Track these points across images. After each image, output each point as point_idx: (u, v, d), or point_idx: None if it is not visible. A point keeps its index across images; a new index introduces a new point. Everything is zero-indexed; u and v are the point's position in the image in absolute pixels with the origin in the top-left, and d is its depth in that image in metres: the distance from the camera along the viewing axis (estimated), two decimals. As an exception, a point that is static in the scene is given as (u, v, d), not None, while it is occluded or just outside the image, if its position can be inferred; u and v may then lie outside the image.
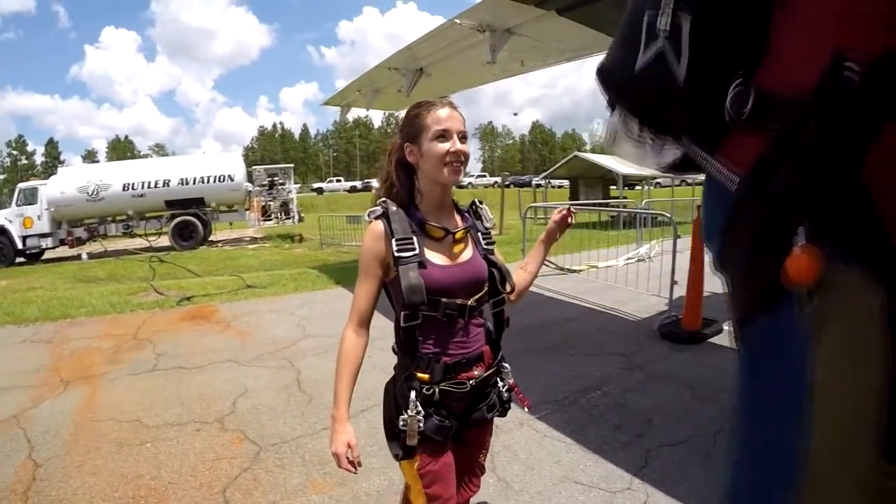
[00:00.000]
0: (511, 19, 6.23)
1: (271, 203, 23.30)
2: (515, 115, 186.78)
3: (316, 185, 70.21)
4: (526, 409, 2.37)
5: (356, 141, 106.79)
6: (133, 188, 19.56)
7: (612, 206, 22.22)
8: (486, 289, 2.07)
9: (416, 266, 1.89)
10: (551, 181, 35.36)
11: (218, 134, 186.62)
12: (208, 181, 20.38)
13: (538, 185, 32.72)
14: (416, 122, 1.97)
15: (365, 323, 2.02)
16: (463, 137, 1.97)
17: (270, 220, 23.18)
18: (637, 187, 35.65)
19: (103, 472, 3.81)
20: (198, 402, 4.94)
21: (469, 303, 2.00)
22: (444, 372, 1.98)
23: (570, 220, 2.29)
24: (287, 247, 18.67)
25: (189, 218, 19.78)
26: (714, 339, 6.65)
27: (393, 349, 2.08)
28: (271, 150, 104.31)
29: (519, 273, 2.28)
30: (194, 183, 20.18)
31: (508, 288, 2.12)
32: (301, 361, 5.97)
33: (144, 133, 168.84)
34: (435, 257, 1.96)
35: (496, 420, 2.25)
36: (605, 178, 28.29)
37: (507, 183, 45.33)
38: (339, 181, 73.48)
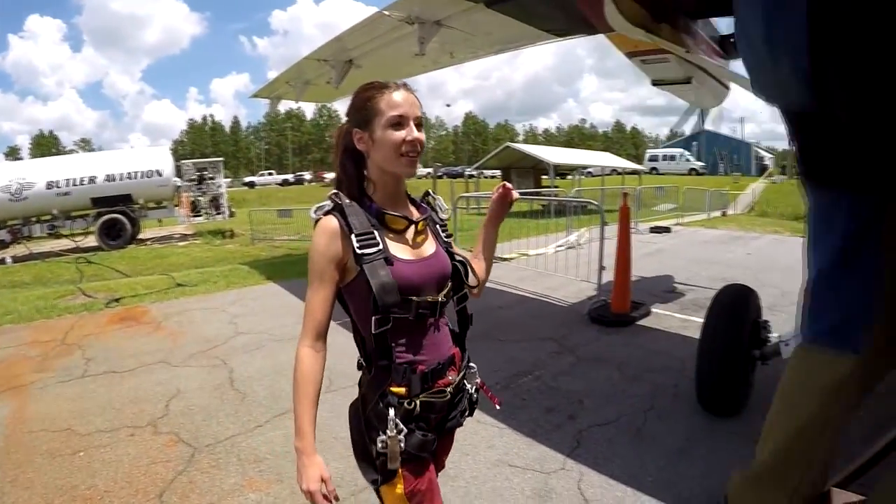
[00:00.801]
0: (440, 11, 6.24)
1: (201, 198, 22.67)
2: (448, 106, 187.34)
3: (247, 179, 68.85)
4: (497, 406, 2.24)
5: (288, 133, 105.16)
6: (58, 186, 18.57)
7: (544, 196, 22.54)
8: (450, 284, 1.92)
9: (384, 262, 1.71)
10: (483, 172, 35.71)
11: (146, 127, 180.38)
12: (135, 177, 19.58)
13: (471, 176, 33.00)
14: (368, 107, 1.78)
15: (322, 336, 1.78)
16: (419, 124, 1.81)
17: (200, 216, 22.53)
18: (568, 177, 36.33)
19: (37, 484, 3.67)
20: (130, 407, 4.81)
21: (439, 299, 1.85)
22: (423, 382, 1.80)
23: (511, 196, 2.16)
24: (218, 243, 18.25)
25: (116, 216, 18.92)
26: (642, 322, 6.87)
27: (359, 364, 1.90)
28: (201, 143, 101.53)
29: (475, 262, 2.14)
30: (121, 179, 19.34)
31: (473, 281, 2.02)
32: (233, 359, 5.89)
33: (70, 127, 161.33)
34: (400, 252, 1.78)
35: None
36: (537, 168, 28.82)
37: (440, 174, 45.47)
38: (270, 174, 72.43)
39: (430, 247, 1.90)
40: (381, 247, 1.72)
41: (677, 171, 51.79)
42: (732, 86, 7.32)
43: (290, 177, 70.05)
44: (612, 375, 5.25)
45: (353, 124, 1.83)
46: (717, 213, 25.11)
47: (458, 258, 1.97)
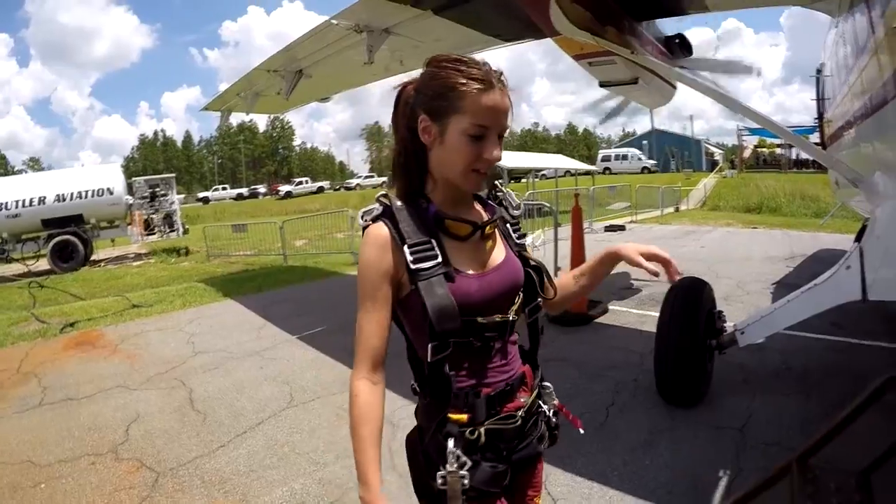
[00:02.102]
0: (388, 19, 6.23)
1: (154, 216, 22.22)
2: (392, 122, 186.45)
3: (201, 195, 67.79)
4: (581, 430, 1.87)
5: (241, 146, 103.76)
6: (6, 208, 18.01)
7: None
8: (521, 296, 1.64)
9: (443, 279, 1.44)
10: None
11: (97, 144, 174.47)
12: (86, 196, 19.04)
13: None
14: (450, 97, 1.44)
15: (379, 365, 1.52)
16: (502, 134, 1.51)
17: (154, 234, 22.07)
18: (523, 180, 36.54)
19: (-5, 520, 3.58)
20: (90, 434, 4.69)
21: (510, 317, 1.57)
22: (488, 407, 1.53)
23: (671, 275, 1.66)
24: (173, 261, 17.95)
25: (68, 237, 18.37)
26: (600, 320, 6.96)
27: (413, 389, 1.63)
28: (153, 159, 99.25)
29: (566, 278, 1.81)
30: (72, 199, 18.80)
31: (551, 292, 1.72)
32: (193, 379, 5.79)
33: (18, 146, 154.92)
34: (463, 263, 1.51)
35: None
36: (491, 173, 28.92)
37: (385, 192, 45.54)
38: (224, 189, 71.43)
39: (499, 253, 1.62)
40: (439, 260, 1.46)
41: (630, 170, 52.45)
42: (679, 85, 7.47)
43: (244, 191, 69.10)
44: (573, 374, 5.31)
45: (422, 106, 1.50)
46: (671, 210, 25.63)
47: (532, 263, 1.69)
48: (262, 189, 70.37)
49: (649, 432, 4.18)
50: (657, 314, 4.80)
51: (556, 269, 7.70)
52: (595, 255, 1.77)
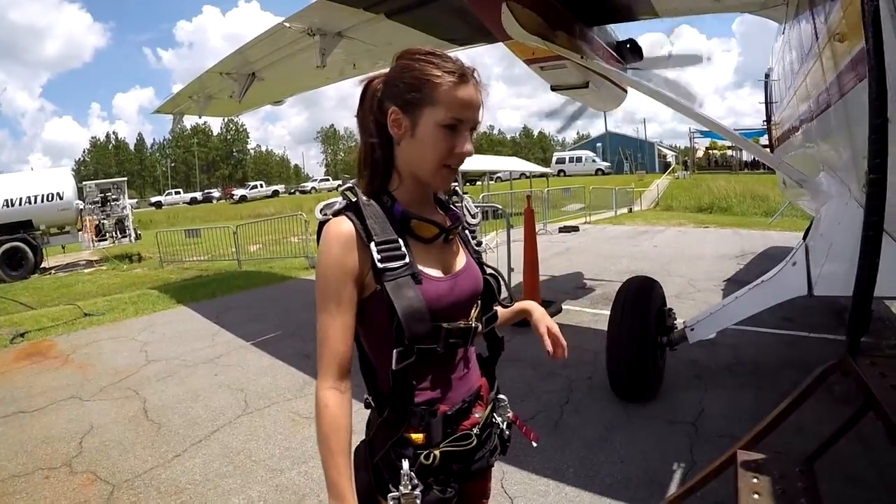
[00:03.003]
0: (341, 23, 6.22)
1: (105, 221, 21.72)
2: (356, 116, 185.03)
3: (154, 199, 66.55)
4: (534, 444, 1.85)
5: (195, 149, 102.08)
6: (-47, 215, 17.57)
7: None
8: (479, 303, 1.61)
9: (411, 280, 1.38)
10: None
11: (48, 147, 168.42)
12: (36, 201, 18.55)
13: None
14: (424, 89, 1.38)
15: (346, 373, 1.42)
16: (473, 129, 1.46)
17: (105, 240, 21.55)
18: (477, 182, 36.72)
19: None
20: (42, 448, 4.56)
21: (472, 324, 1.54)
22: (444, 426, 1.48)
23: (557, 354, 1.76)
24: (125, 268, 17.59)
25: (17, 244, 17.83)
26: (554, 319, 7.03)
27: (367, 403, 1.55)
28: (105, 162, 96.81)
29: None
30: (21, 204, 18.29)
31: (507, 300, 1.77)
32: (146, 389, 5.68)
33: None
34: (428, 266, 1.46)
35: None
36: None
37: (351, 186, 45.37)
38: (178, 193, 70.28)
39: (461, 258, 1.58)
40: (407, 260, 1.39)
41: (584, 171, 53.10)
42: (630, 89, 7.61)
43: (198, 195, 68.12)
44: (527, 374, 5.37)
45: (393, 100, 1.43)
46: (624, 210, 26.06)
47: (489, 271, 1.66)
48: (216, 193, 69.50)
49: (604, 429, 4.25)
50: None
51: (510, 270, 7.76)
52: (516, 305, 1.86)
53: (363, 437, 1.54)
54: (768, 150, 9.02)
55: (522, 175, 36.97)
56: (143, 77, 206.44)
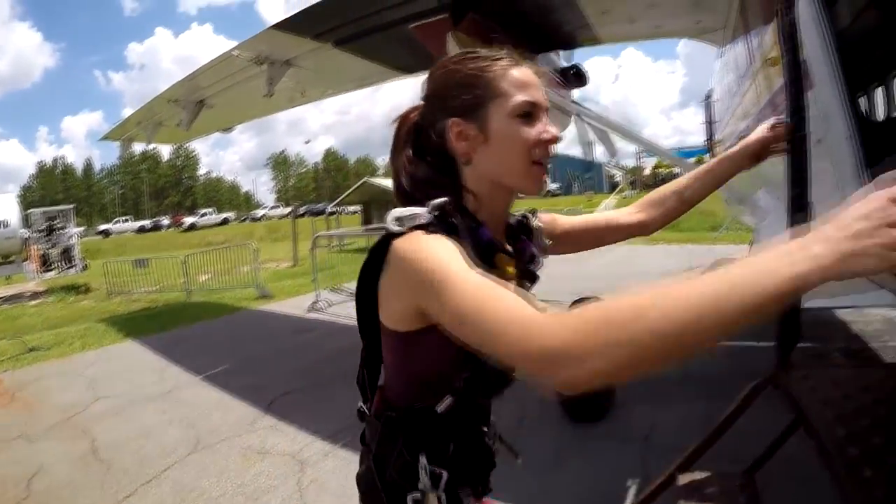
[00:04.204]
0: (289, 51, 6.28)
1: (51, 251, 21.16)
2: (307, 142, 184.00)
3: (102, 227, 65.17)
4: (518, 461, 1.67)
5: (144, 176, 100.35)
6: None
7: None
8: None
9: None
10: (345, 208, 35.84)
11: None
12: (-22, 230, 18.14)
13: (331, 213, 32.97)
14: (482, 83, 1.20)
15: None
16: (546, 111, 1.25)
17: (51, 270, 20.95)
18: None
19: None
20: (-13, 492, 4.44)
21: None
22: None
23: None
24: (72, 300, 17.10)
25: (-40, 275, 17.40)
26: None
27: (361, 413, 1.44)
28: (52, 188, 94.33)
29: (659, 195, 1.70)
30: (-37, 233, 17.86)
31: None
32: (95, 427, 5.54)
33: None
34: None
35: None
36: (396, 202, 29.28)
37: (302, 212, 45.12)
38: (126, 221, 68.97)
39: None
40: None
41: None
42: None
43: (147, 223, 67.09)
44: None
45: (448, 113, 1.23)
46: (575, 230, 26.39)
47: None
48: (165, 221, 68.49)
49: (558, 450, 4.30)
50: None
51: None
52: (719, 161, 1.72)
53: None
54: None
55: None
56: (93, 100, 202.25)
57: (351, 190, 32.00)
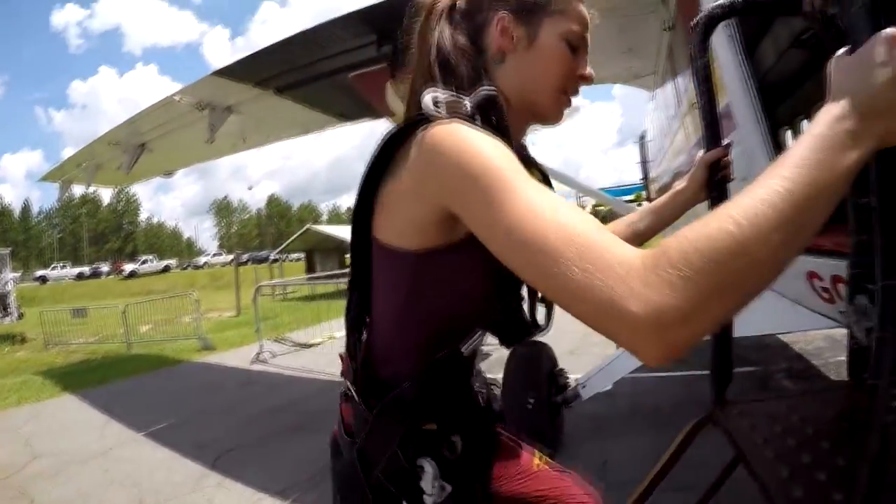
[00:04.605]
0: (230, 97, 6.28)
1: (-14, 298, 20.47)
2: (250, 188, 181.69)
3: (39, 273, 63.16)
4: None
5: (83, 220, 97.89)
6: None
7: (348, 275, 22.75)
8: None
9: None
10: (288, 255, 35.60)
11: None
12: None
13: (274, 261, 32.67)
14: None
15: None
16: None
17: (-15, 318, 20.29)
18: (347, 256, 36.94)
19: None
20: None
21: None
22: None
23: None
24: (7, 350, 16.45)
25: None
26: None
27: (346, 395, 1.24)
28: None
29: (639, 218, 1.69)
30: None
31: None
32: (33, 488, 5.28)
33: None
34: None
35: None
36: (340, 249, 29.03)
37: (245, 260, 44.65)
38: (65, 267, 67.06)
39: None
40: None
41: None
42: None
43: (86, 269, 65.40)
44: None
45: (501, 4, 1.14)
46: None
47: None
48: (105, 268, 66.90)
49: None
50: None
51: None
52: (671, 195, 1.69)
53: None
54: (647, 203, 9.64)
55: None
56: (34, 138, 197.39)
57: (294, 237, 31.84)
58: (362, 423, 1.16)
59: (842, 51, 0.86)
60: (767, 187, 0.68)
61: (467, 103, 1.01)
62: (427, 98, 0.98)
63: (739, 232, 0.66)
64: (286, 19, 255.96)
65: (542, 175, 1.31)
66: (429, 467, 1.09)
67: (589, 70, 1.18)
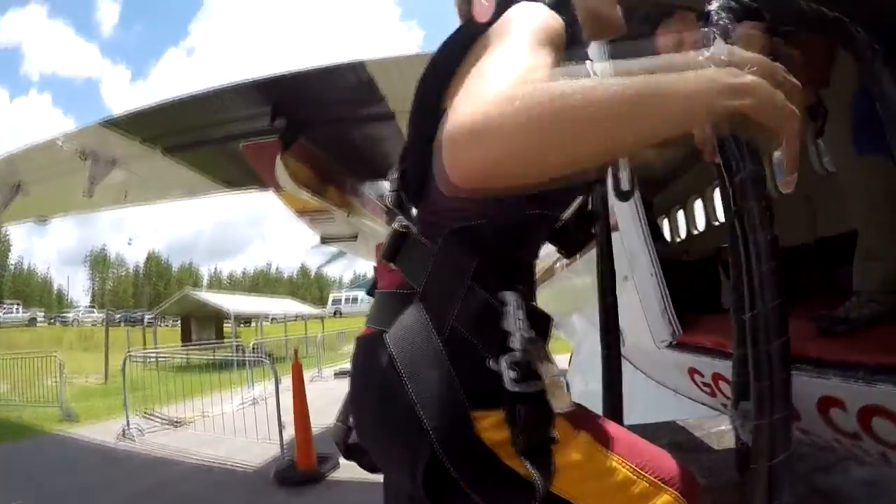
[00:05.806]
0: (115, 151, 6.14)
1: None
2: (130, 243, 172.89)
3: None
4: None
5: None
6: None
7: (225, 345, 21.87)
8: None
9: None
10: (164, 318, 34.03)
11: None
12: None
13: (149, 324, 31.02)
14: None
15: None
16: None
17: None
18: (252, 324, 35.69)
19: None
20: None
21: None
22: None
23: None
24: None
25: None
26: (332, 476, 6.67)
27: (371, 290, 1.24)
28: None
29: None
30: None
31: None
32: None
33: None
34: None
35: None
36: (219, 316, 27.96)
37: (118, 319, 42.18)
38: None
39: None
40: None
41: (361, 312, 53.80)
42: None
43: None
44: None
45: None
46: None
47: None
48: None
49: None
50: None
51: (281, 426, 7.34)
52: None
53: None
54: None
55: (298, 316, 36.69)
56: None
57: (170, 300, 30.13)
58: (421, 263, 1.05)
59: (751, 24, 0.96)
60: (620, 80, 0.72)
61: None
62: None
63: (571, 93, 0.69)
64: (190, 70, 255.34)
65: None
66: (511, 298, 1.00)
67: None
